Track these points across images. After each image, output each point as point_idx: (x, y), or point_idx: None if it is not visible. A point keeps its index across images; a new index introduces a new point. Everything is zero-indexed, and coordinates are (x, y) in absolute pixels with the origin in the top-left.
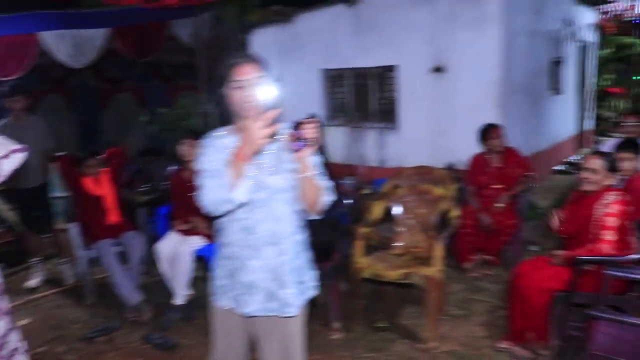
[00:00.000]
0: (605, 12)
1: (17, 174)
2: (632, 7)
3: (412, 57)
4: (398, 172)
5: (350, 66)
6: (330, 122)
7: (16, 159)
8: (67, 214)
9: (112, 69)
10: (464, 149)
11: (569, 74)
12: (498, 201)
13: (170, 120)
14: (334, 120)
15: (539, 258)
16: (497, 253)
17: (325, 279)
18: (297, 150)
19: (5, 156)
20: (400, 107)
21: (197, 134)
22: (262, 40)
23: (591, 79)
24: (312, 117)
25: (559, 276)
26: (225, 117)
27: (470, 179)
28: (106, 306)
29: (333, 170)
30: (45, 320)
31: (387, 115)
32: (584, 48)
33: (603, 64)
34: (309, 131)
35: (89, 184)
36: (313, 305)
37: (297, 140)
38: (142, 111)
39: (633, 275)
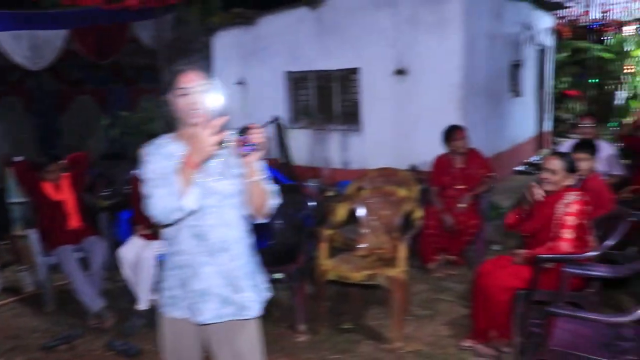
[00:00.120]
0: (562, 17)
1: None
2: (587, 13)
3: (375, 59)
4: (362, 174)
5: (314, 69)
6: (294, 124)
7: None
8: (25, 220)
9: (72, 71)
10: (426, 150)
11: (528, 77)
12: (461, 202)
13: (132, 124)
14: (297, 122)
15: (501, 257)
16: (460, 253)
17: (290, 282)
18: (244, 155)
19: None
20: (363, 109)
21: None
22: (224, 42)
23: (549, 82)
24: (276, 119)
25: (520, 275)
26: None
27: (433, 180)
28: (67, 314)
29: (297, 173)
30: (3, 330)
31: (350, 117)
32: (542, 52)
33: (560, 67)
34: (256, 136)
35: (48, 189)
36: (270, 309)
37: (244, 145)
38: (103, 114)
39: (590, 272)
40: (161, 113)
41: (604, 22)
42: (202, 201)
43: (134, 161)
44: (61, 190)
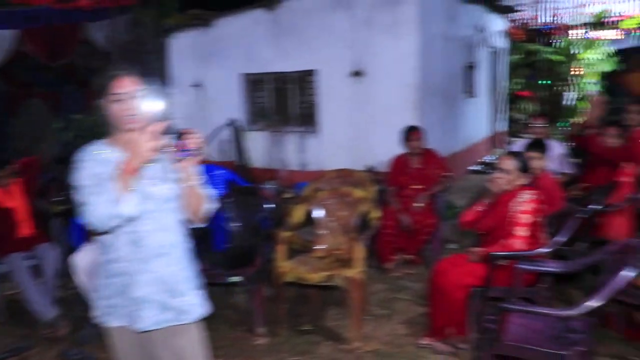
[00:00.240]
0: (514, 20)
1: None
2: (537, 17)
3: (332, 61)
4: (319, 175)
5: (271, 70)
6: (251, 126)
7: None
8: None
9: (23, 72)
10: (383, 151)
11: (482, 78)
12: (417, 201)
13: (85, 127)
14: (254, 124)
15: (457, 255)
16: (417, 252)
17: (248, 284)
18: (181, 160)
19: None
20: (320, 111)
21: None
22: (181, 44)
23: (502, 83)
24: (233, 122)
25: (475, 272)
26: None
27: (390, 180)
28: (18, 324)
29: (254, 175)
30: None
31: (307, 119)
32: (495, 54)
33: (513, 69)
34: (192, 141)
35: None
36: (228, 312)
37: (181, 150)
38: (56, 117)
39: (542, 268)
40: None
41: (553, 25)
42: (141, 207)
43: None
44: (12, 197)
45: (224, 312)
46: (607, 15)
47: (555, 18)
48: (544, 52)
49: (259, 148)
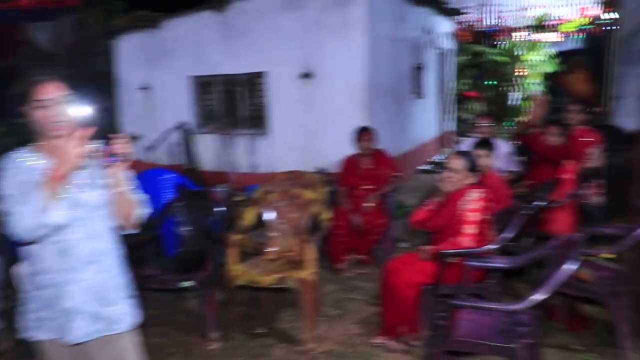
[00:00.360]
0: (460, 23)
1: None
2: (483, 19)
3: (281, 63)
4: (270, 177)
5: (220, 73)
6: (200, 129)
7: None
8: None
9: None
10: (334, 151)
11: (430, 79)
12: (368, 201)
13: (29, 132)
14: (204, 127)
15: (408, 254)
16: (369, 252)
17: (200, 289)
18: (109, 166)
19: None
20: (270, 113)
21: None
22: (128, 46)
23: (450, 84)
24: (182, 125)
25: (426, 270)
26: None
27: (341, 181)
28: None
29: (204, 178)
30: None
31: (257, 121)
32: (442, 55)
33: (460, 70)
34: (120, 146)
35: None
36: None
37: (109, 155)
38: None
39: (490, 264)
40: None
41: (498, 28)
42: (69, 215)
43: None
44: None
45: (176, 318)
46: (547, 18)
47: (499, 21)
48: (490, 54)
49: (209, 151)
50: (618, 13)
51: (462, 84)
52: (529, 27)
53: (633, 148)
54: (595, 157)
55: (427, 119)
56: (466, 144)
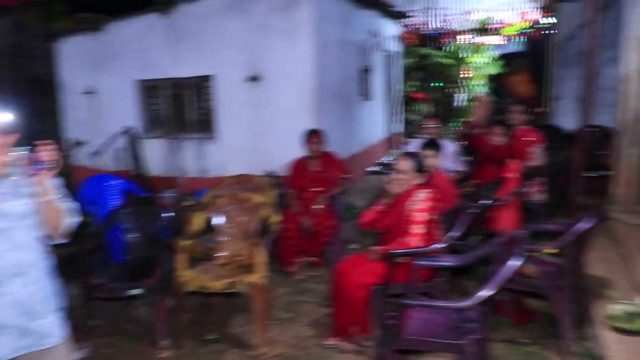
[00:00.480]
0: (407, 26)
1: None
2: (428, 22)
3: (229, 66)
4: (218, 181)
5: (167, 76)
6: (147, 134)
7: None
8: None
9: None
10: (282, 155)
11: (377, 81)
12: (317, 203)
13: None
14: (151, 132)
15: (358, 255)
16: (319, 254)
17: (149, 296)
18: (35, 174)
19: None
20: (218, 116)
21: None
22: (71, 49)
23: (397, 86)
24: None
25: (375, 271)
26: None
27: (290, 183)
28: None
29: (152, 184)
30: None
31: (205, 125)
32: (389, 57)
33: (407, 72)
34: (46, 154)
35: None
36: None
37: (35, 163)
38: None
39: (438, 263)
40: None
41: (443, 31)
42: None
43: None
44: None
45: (125, 327)
46: (490, 22)
47: (444, 24)
48: (436, 56)
49: (156, 156)
50: (555, 18)
51: (409, 86)
52: (473, 30)
53: (572, 147)
54: (537, 156)
55: (375, 121)
56: (413, 145)
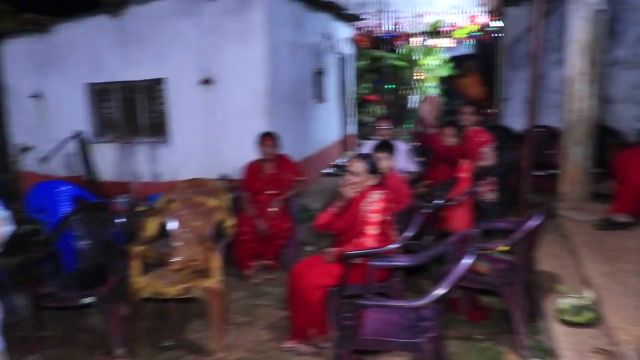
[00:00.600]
0: (359, 28)
1: None
2: (381, 25)
3: (181, 69)
4: (172, 186)
5: (118, 79)
6: (98, 138)
7: None
8: None
9: None
10: (236, 158)
11: (331, 84)
12: (272, 206)
13: None
14: (102, 136)
15: (313, 257)
16: (276, 257)
17: (102, 304)
18: None
19: None
20: (171, 120)
21: None
22: (16, 51)
23: (351, 88)
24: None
25: (331, 272)
26: None
27: (244, 186)
28: None
29: (105, 189)
30: None
31: (158, 129)
32: (342, 60)
33: (360, 74)
34: None
35: None
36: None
37: None
38: None
39: (393, 263)
40: None
41: (395, 33)
42: None
43: None
44: None
45: (79, 337)
46: (441, 25)
47: (397, 26)
48: (389, 58)
49: (108, 161)
50: (502, 22)
51: (362, 88)
52: (424, 33)
53: (521, 147)
54: (488, 156)
55: (330, 123)
56: (367, 146)
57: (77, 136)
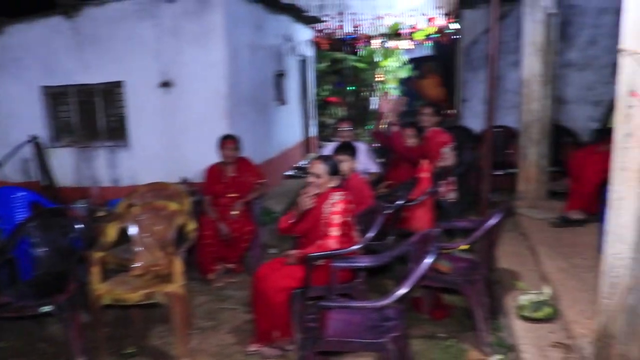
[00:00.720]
0: (320, 30)
1: None
2: (341, 27)
3: (139, 72)
4: (132, 190)
5: (74, 82)
6: (55, 143)
7: None
8: None
9: None
10: (197, 161)
11: (292, 86)
12: (234, 209)
13: None
14: (59, 141)
15: (276, 260)
16: (239, 260)
17: (61, 313)
18: None
19: None
20: (130, 123)
21: None
22: None
23: (312, 90)
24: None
25: (294, 274)
26: None
27: (206, 189)
28: None
29: (62, 195)
30: None
31: (116, 132)
32: (303, 62)
33: (321, 76)
34: None
35: None
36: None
37: None
38: None
39: (355, 264)
40: None
41: (356, 35)
42: None
43: None
44: None
45: (38, 347)
46: (400, 27)
47: (357, 29)
48: (349, 60)
49: (66, 165)
50: (459, 24)
51: (323, 90)
52: (384, 35)
53: (480, 147)
54: (447, 156)
55: (291, 125)
56: (328, 148)
57: (33, 140)
